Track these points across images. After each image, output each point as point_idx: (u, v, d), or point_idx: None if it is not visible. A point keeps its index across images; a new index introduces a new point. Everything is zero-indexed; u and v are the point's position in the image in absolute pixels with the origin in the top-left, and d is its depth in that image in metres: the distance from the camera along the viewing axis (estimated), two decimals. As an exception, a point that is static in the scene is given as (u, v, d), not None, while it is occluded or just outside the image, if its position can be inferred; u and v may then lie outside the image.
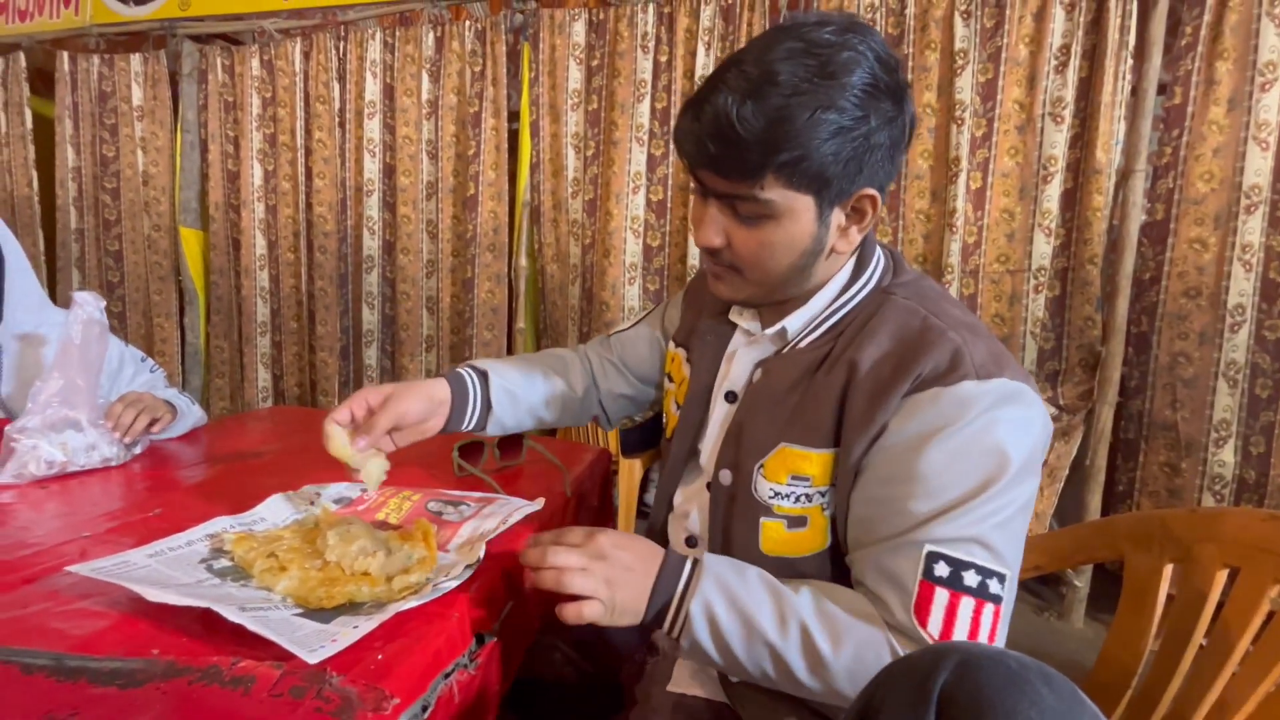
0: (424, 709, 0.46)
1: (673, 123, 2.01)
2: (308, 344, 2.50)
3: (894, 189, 1.86)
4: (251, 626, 0.45)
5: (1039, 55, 1.70)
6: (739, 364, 0.67)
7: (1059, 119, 1.71)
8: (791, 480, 0.59)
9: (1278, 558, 0.58)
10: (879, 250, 0.65)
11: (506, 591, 0.62)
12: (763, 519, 0.60)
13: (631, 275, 2.11)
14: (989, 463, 0.51)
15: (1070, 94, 1.70)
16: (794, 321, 0.63)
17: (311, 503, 0.73)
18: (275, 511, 0.69)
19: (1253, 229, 1.58)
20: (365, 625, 0.48)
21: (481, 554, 0.60)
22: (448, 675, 0.50)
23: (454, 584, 0.55)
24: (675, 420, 0.72)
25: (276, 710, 0.40)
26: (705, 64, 1.95)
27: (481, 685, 0.56)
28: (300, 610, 0.51)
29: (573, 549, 0.53)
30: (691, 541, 0.69)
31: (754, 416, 0.62)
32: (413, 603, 0.52)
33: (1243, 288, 1.60)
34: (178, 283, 2.60)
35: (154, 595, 0.48)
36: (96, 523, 0.69)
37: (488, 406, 0.76)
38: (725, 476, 0.63)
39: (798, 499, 0.59)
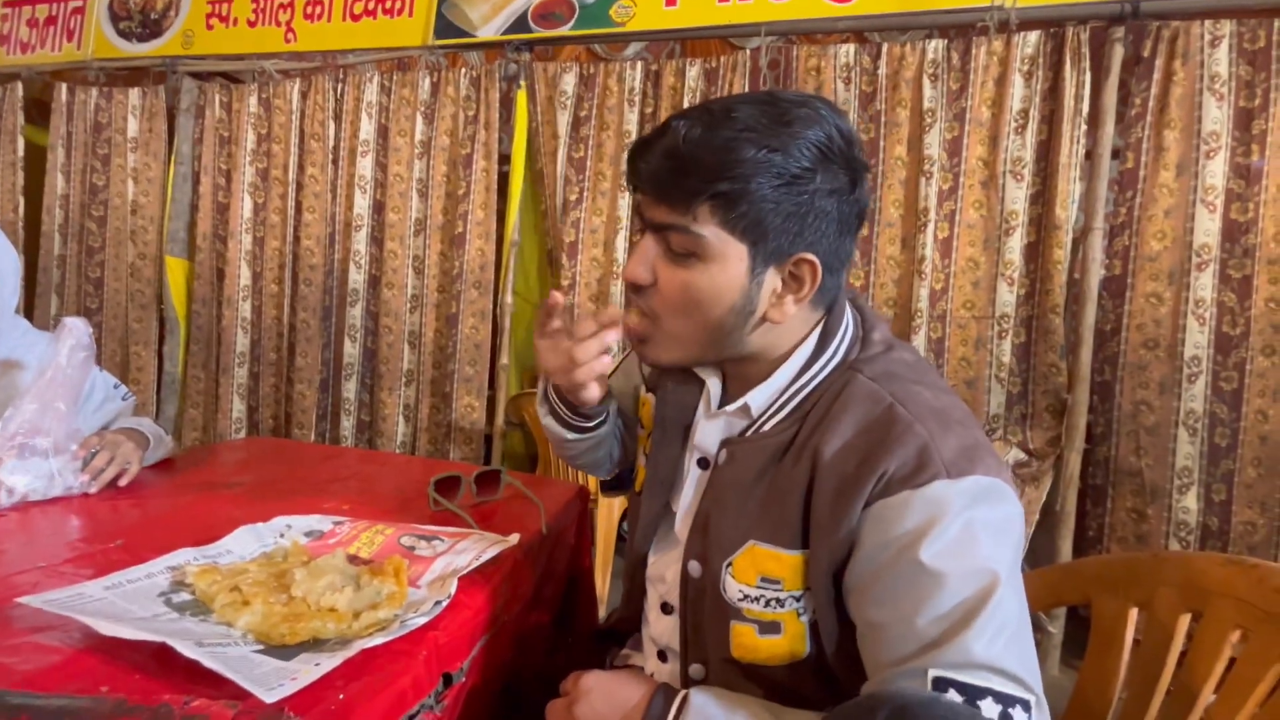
0: (385, 752, 0.44)
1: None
2: (285, 376, 2.45)
3: (866, 234, 1.90)
4: (207, 663, 0.43)
5: (1000, 117, 1.79)
6: (705, 433, 0.62)
7: (1019, 176, 1.79)
8: (761, 582, 0.54)
9: (1237, 602, 0.59)
10: (849, 315, 0.60)
11: (477, 630, 0.60)
12: (733, 622, 0.56)
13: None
14: (977, 578, 0.46)
15: (1030, 154, 1.78)
16: (757, 397, 0.58)
17: (281, 535, 0.71)
18: (242, 544, 0.67)
19: (1204, 285, 1.65)
20: (327, 663, 0.46)
21: (453, 590, 0.59)
22: (412, 717, 0.48)
23: (423, 620, 0.54)
24: (644, 474, 0.68)
25: (229, 752, 0.38)
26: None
27: (446, 728, 0.53)
28: (261, 647, 0.49)
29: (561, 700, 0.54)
30: (667, 609, 0.64)
31: (721, 508, 0.57)
32: (378, 640, 0.50)
33: (1198, 340, 1.66)
34: (159, 311, 2.56)
35: (107, 629, 0.46)
36: (55, 553, 0.66)
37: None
38: (694, 569, 0.59)
39: (769, 603, 0.54)
